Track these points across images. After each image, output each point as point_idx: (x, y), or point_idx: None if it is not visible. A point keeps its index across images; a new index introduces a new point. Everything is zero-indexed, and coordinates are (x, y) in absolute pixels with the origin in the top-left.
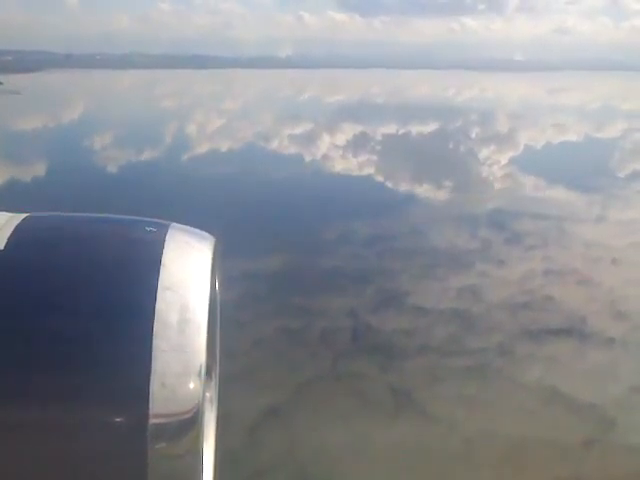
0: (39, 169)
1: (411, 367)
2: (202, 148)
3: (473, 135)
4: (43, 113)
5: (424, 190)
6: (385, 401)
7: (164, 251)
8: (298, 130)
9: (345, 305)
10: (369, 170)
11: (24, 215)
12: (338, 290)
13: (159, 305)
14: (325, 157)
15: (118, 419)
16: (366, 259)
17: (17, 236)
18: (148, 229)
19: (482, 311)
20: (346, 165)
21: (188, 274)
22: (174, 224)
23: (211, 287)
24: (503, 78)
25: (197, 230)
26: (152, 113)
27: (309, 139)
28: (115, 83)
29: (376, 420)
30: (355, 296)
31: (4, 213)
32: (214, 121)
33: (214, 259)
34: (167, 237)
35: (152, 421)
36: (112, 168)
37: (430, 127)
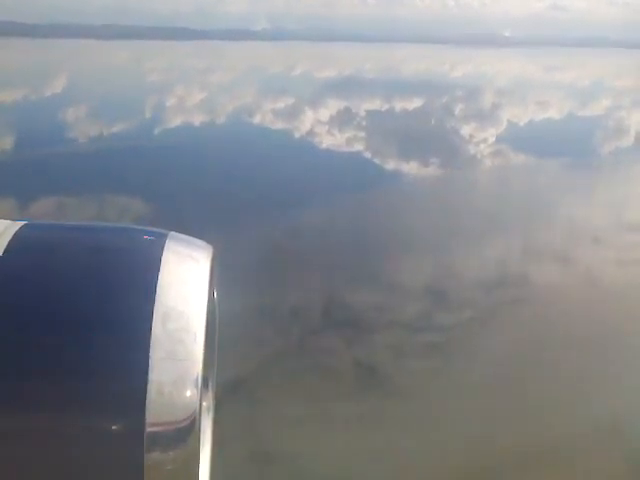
0: (6, 142)
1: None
2: (192, 121)
3: (469, 112)
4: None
5: (422, 166)
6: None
7: (162, 260)
8: (284, 103)
9: (321, 283)
10: (367, 144)
11: (23, 222)
12: (316, 266)
13: (156, 314)
14: (318, 130)
15: (114, 427)
16: (347, 236)
17: (15, 243)
18: (146, 238)
19: (458, 288)
20: (340, 139)
21: (186, 284)
22: (172, 233)
23: (209, 297)
24: (499, 54)
25: (196, 239)
26: (134, 85)
27: (296, 112)
28: (97, 54)
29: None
30: (333, 273)
31: (2, 220)
32: (208, 94)
33: (212, 269)
34: (165, 246)
35: (148, 430)
36: (85, 142)
37: (429, 103)
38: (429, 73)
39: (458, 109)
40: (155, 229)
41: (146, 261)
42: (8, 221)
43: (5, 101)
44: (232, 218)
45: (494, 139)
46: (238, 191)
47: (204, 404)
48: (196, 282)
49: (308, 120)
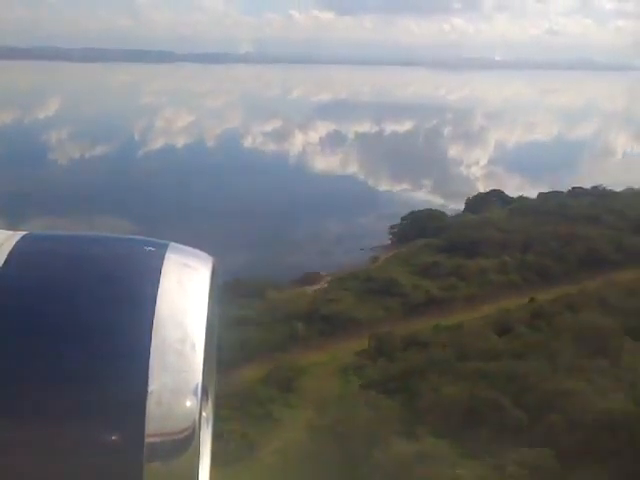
0: None
1: None
2: (196, 142)
3: (470, 134)
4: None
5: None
6: None
7: (162, 271)
8: (277, 124)
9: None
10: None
11: (23, 233)
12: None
13: (157, 325)
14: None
15: (114, 438)
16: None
17: (16, 254)
18: (146, 249)
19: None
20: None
21: (186, 294)
22: (173, 244)
23: (209, 308)
24: (498, 77)
25: (196, 250)
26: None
27: (294, 132)
28: (90, 76)
29: None
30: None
31: (3, 231)
32: (212, 116)
33: (212, 279)
34: (165, 257)
35: (148, 440)
36: (74, 164)
37: (433, 125)
38: (431, 96)
39: (453, 131)
40: (155, 240)
41: (146, 272)
42: (9, 232)
43: None
44: None
45: (486, 161)
46: None
47: (204, 414)
48: (196, 292)
49: (298, 141)
